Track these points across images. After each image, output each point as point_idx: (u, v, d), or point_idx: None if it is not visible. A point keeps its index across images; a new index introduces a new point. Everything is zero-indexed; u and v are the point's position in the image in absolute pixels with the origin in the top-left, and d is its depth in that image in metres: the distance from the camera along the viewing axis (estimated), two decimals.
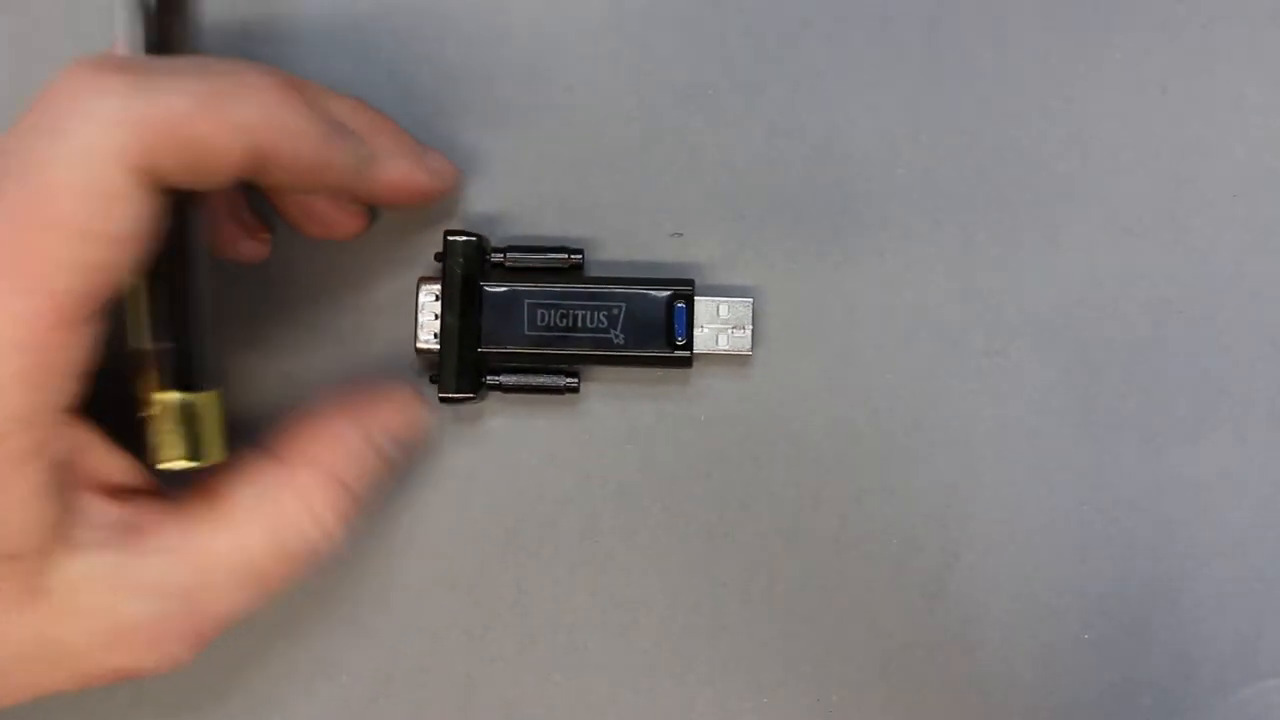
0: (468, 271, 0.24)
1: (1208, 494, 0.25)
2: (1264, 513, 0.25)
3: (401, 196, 0.23)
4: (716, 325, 0.24)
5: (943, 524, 0.25)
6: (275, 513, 0.20)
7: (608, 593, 0.25)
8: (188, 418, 0.20)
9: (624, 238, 0.25)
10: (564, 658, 0.25)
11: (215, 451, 0.21)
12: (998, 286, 0.25)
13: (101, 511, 0.19)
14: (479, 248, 0.24)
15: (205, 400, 0.20)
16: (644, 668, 0.25)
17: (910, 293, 0.25)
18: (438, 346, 0.24)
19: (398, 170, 0.22)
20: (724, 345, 0.24)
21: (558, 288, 0.24)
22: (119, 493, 0.20)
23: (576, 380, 0.24)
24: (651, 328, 0.24)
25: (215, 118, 0.18)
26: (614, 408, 0.25)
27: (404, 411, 0.23)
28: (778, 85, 0.25)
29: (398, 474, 0.24)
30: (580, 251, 0.24)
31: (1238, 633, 0.25)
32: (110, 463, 0.20)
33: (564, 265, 0.24)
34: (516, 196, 0.25)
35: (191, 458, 0.20)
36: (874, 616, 0.25)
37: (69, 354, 0.18)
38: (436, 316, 0.24)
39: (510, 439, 0.25)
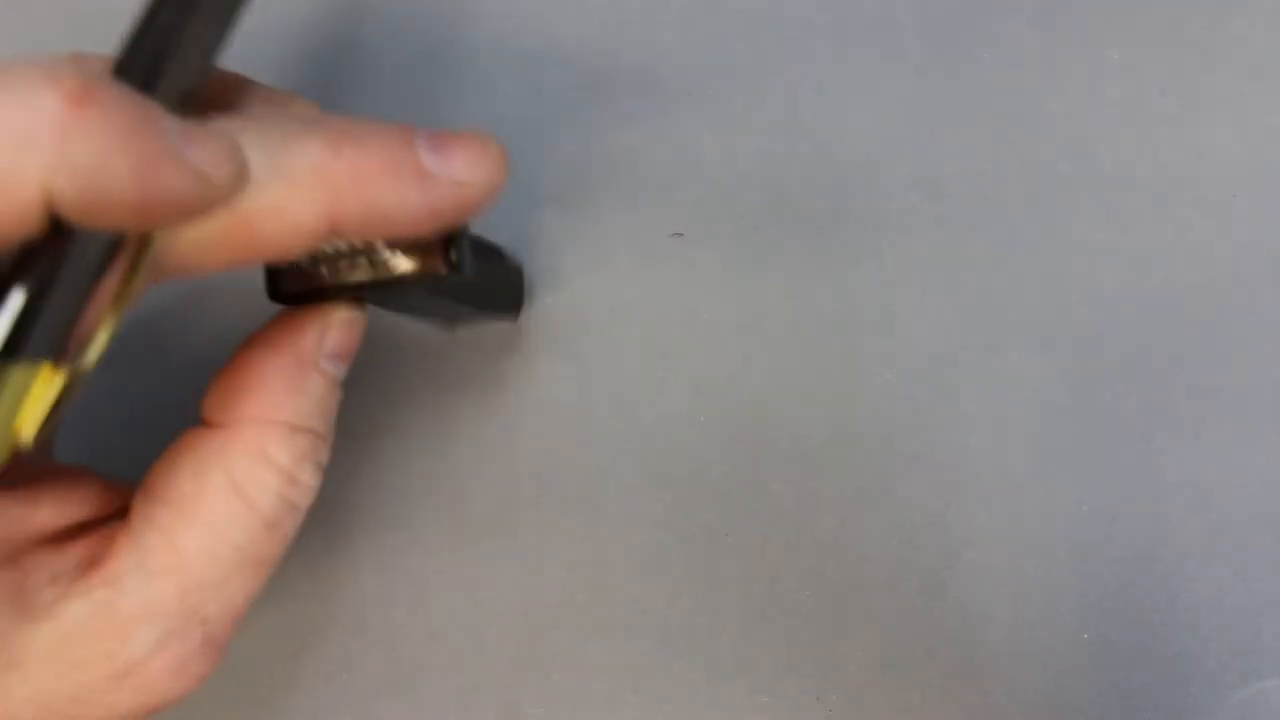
0: None
1: (1208, 494, 0.25)
2: (1264, 513, 0.25)
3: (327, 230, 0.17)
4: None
5: (943, 524, 0.25)
6: (230, 480, 0.18)
7: (608, 593, 0.25)
8: None
9: (624, 237, 0.25)
10: (564, 658, 0.25)
11: None
12: (998, 286, 0.25)
13: (51, 564, 0.17)
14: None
15: (15, 377, 0.15)
16: (644, 668, 0.25)
17: (910, 293, 0.25)
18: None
19: (282, 181, 0.16)
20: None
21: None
22: (69, 533, 0.18)
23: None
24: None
25: None
26: (614, 408, 0.25)
27: (334, 324, 0.19)
28: (778, 85, 0.25)
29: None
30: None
31: (1237, 633, 0.25)
32: (45, 512, 0.18)
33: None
34: (516, 197, 0.25)
35: None
36: (874, 616, 0.25)
37: None
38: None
39: (510, 439, 0.25)
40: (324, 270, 0.19)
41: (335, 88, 0.26)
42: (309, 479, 0.19)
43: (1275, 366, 0.25)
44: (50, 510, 0.18)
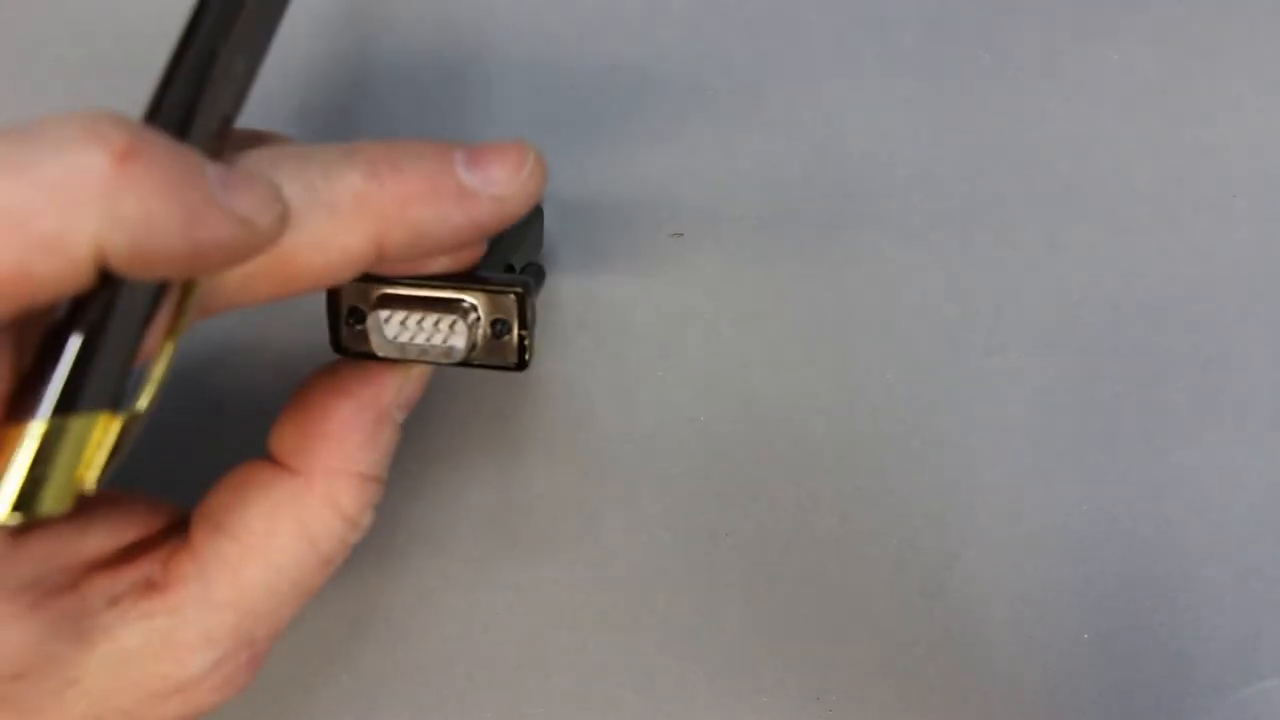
0: None
1: (1208, 494, 0.25)
2: (1264, 513, 0.25)
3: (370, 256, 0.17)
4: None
5: (943, 524, 0.25)
6: (302, 527, 0.19)
7: (608, 593, 0.25)
8: (40, 454, 0.15)
9: (624, 237, 0.25)
10: (564, 658, 0.25)
11: (59, 499, 0.15)
12: (998, 286, 0.25)
13: (108, 588, 0.18)
14: None
15: (75, 427, 0.15)
16: (644, 668, 0.25)
17: (910, 293, 0.25)
18: None
19: (326, 212, 0.16)
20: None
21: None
22: (121, 555, 0.19)
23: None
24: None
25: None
26: (614, 406, 0.25)
27: (413, 379, 0.20)
28: (778, 85, 0.25)
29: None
30: None
31: (1237, 633, 0.25)
32: (96, 538, 0.18)
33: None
34: None
35: (19, 505, 0.15)
36: (874, 616, 0.25)
37: None
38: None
39: (509, 439, 0.25)
40: (394, 353, 0.19)
41: (339, 90, 0.26)
42: (368, 521, 0.20)
43: (1275, 367, 0.25)
44: (101, 535, 0.18)
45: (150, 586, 0.18)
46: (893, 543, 0.25)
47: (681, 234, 0.25)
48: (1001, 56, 0.26)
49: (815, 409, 0.25)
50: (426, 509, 0.25)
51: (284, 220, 0.15)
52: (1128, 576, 0.25)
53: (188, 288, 0.16)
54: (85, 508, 0.18)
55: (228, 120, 0.17)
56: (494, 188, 0.18)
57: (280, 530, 0.19)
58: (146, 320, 0.16)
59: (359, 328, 0.19)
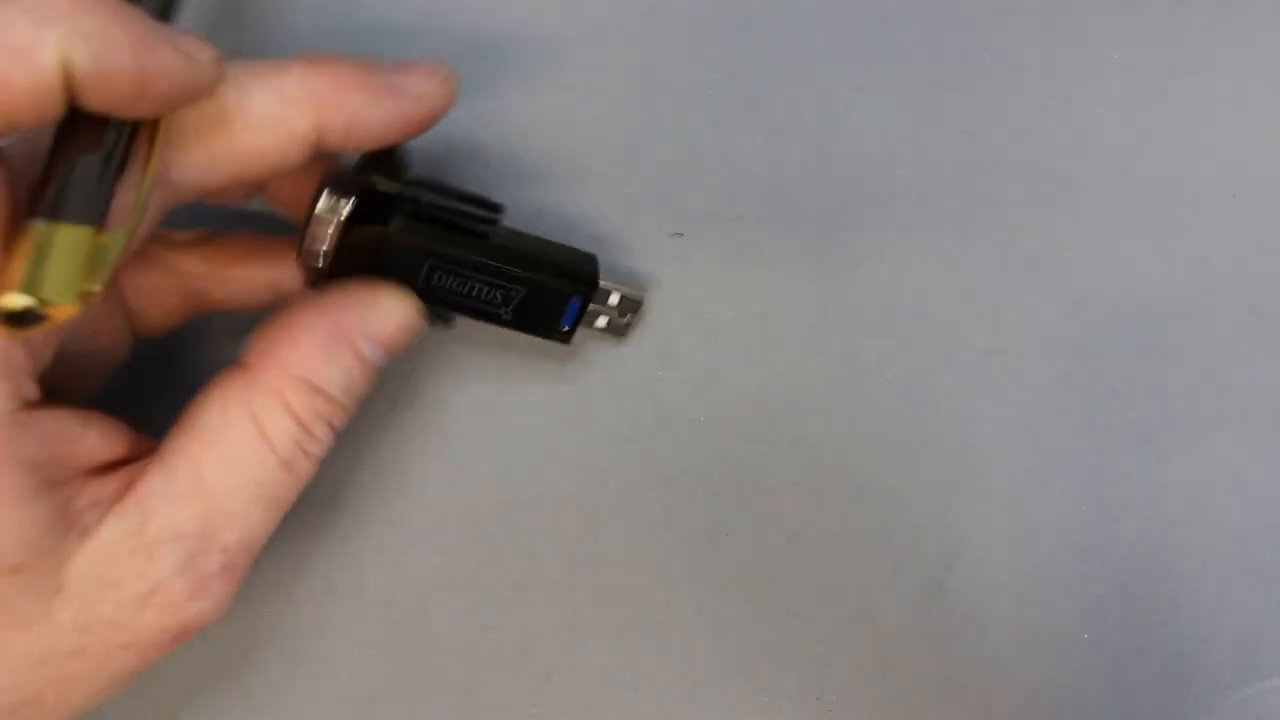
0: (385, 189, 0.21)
1: (1208, 494, 0.25)
2: (1264, 513, 0.25)
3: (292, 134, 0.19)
4: (602, 309, 0.24)
5: (943, 524, 0.25)
6: (253, 419, 0.20)
7: (607, 593, 0.25)
8: (40, 249, 0.17)
9: (624, 238, 0.25)
10: (564, 658, 0.25)
11: (60, 291, 0.17)
12: (998, 286, 0.25)
13: (93, 491, 0.19)
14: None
15: (66, 233, 0.17)
16: (644, 668, 0.25)
17: (910, 293, 0.25)
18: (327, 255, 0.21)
19: (274, 94, 0.19)
20: (600, 324, 0.24)
21: (467, 256, 0.22)
22: (109, 467, 0.20)
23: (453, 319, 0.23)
24: (542, 314, 0.23)
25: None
26: (614, 406, 0.25)
27: (380, 309, 0.21)
28: (778, 85, 0.25)
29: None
30: (499, 208, 0.22)
31: (1237, 633, 0.25)
32: (93, 440, 0.19)
33: (476, 228, 0.22)
34: (516, 196, 0.25)
35: (26, 289, 0.17)
36: (874, 616, 0.25)
37: (15, 354, 0.18)
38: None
39: (510, 438, 0.25)
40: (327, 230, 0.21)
41: None
42: (323, 435, 0.21)
43: (1275, 367, 0.25)
44: (97, 439, 0.20)
45: (124, 488, 0.19)
46: (893, 543, 0.25)
47: (681, 234, 0.25)
48: (1001, 56, 0.26)
49: (815, 409, 0.25)
50: (424, 508, 0.25)
51: (219, 62, 0.18)
52: (1128, 576, 0.25)
53: (153, 135, 0.18)
54: (86, 412, 0.20)
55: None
56: (415, 88, 0.20)
57: (233, 421, 0.20)
58: (123, 155, 0.18)
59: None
